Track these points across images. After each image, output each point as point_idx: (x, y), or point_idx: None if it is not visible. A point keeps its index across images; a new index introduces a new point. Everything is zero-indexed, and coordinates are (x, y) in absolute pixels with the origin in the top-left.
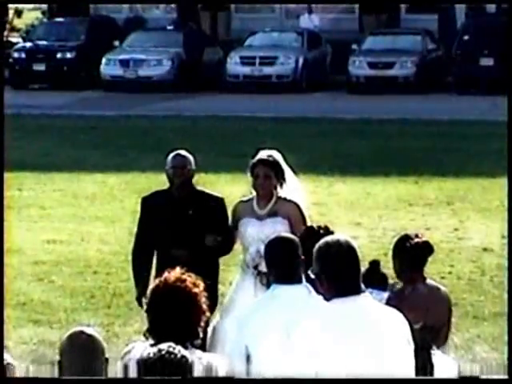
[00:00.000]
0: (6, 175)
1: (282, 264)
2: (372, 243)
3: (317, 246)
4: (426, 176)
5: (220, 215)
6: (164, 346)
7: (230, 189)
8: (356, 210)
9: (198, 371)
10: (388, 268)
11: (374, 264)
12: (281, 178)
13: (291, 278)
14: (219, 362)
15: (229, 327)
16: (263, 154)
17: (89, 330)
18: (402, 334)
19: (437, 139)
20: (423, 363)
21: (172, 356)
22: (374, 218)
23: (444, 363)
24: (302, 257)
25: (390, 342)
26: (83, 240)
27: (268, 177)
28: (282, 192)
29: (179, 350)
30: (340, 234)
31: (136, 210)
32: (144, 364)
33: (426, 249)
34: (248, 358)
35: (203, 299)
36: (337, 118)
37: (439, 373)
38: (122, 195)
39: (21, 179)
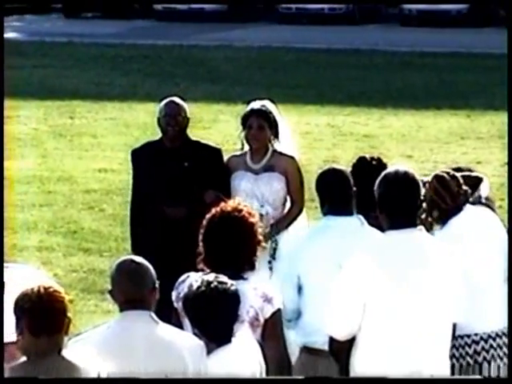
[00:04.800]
0: (59, 103)
1: (334, 196)
2: (423, 176)
3: (382, 174)
4: (478, 110)
5: (218, 168)
6: (211, 277)
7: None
8: (407, 143)
9: (254, 301)
10: None
11: None
12: (275, 130)
13: (343, 210)
14: (274, 292)
15: None
16: (256, 104)
17: (138, 259)
18: (456, 270)
19: (489, 73)
20: None
21: (221, 286)
22: (426, 151)
23: None
24: (354, 188)
25: (441, 277)
26: None
27: (262, 128)
28: (277, 145)
29: (227, 280)
30: (403, 166)
31: None
32: (192, 296)
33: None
34: (300, 289)
35: (259, 230)
36: (389, 50)
37: None
38: None
39: (73, 107)
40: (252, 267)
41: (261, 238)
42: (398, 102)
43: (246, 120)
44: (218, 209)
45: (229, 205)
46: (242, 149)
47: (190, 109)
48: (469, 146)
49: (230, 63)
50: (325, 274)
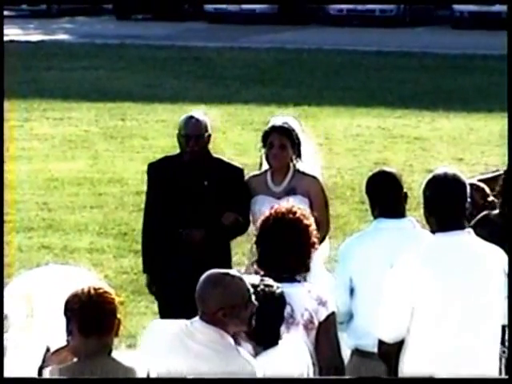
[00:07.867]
0: (110, 105)
1: (384, 198)
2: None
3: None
4: None
5: (239, 189)
6: (256, 280)
7: (333, 121)
8: (458, 146)
9: (308, 304)
10: None
11: None
12: (297, 149)
13: (394, 212)
14: (328, 295)
15: None
16: (277, 121)
17: (229, 272)
18: (504, 272)
19: None
20: None
21: (267, 289)
22: (477, 154)
23: None
24: (404, 190)
25: (490, 279)
26: None
27: (284, 147)
28: (300, 165)
29: (273, 283)
30: (448, 168)
31: (239, 141)
32: None
33: None
34: (351, 291)
35: (314, 232)
36: (440, 53)
37: None
38: (225, 127)
39: (124, 109)
40: (306, 269)
41: (315, 240)
42: (449, 105)
43: (266, 137)
44: (272, 211)
45: (283, 206)
46: (260, 168)
47: (241, 111)
48: None
49: (280, 65)
50: (376, 277)
